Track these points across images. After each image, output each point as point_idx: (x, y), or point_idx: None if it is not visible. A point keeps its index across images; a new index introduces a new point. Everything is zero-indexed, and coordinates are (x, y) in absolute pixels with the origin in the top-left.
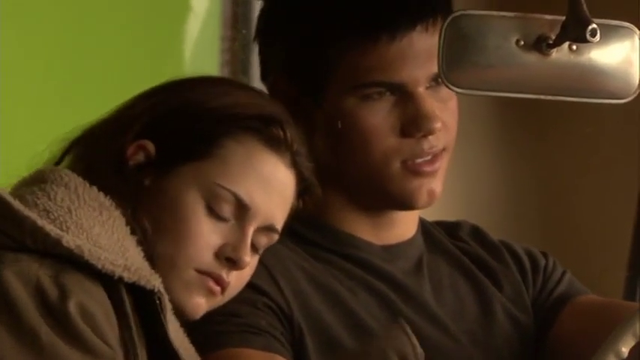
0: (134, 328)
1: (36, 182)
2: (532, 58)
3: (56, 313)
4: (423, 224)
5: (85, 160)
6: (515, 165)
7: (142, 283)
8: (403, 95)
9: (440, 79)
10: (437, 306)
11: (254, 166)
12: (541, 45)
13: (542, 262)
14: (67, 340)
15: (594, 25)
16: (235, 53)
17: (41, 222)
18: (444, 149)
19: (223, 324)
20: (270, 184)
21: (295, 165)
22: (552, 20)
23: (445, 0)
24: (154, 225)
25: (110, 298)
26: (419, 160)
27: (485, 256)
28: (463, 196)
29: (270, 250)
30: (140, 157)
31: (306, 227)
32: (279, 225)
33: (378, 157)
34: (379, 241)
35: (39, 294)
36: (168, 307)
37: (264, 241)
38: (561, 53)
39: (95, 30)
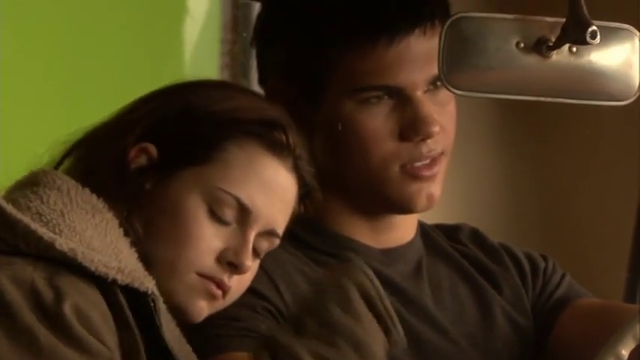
0: (135, 329)
1: (29, 185)
2: (532, 60)
3: (52, 315)
4: (422, 227)
5: (85, 162)
6: (516, 167)
7: (136, 285)
8: (401, 99)
9: (439, 82)
10: (436, 309)
11: (256, 170)
12: (541, 47)
13: (542, 265)
14: (65, 342)
15: (594, 27)
16: (235, 56)
17: (34, 225)
18: (442, 153)
19: (223, 328)
20: (271, 189)
21: (297, 169)
22: (552, 22)
23: (443, 4)
24: (155, 228)
25: (106, 300)
26: (418, 164)
27: (485, 259)
28: (463, 198)
29: (270, 254)
30: (142, 160)
31: (305, 231)
32: (280, 229)
33: (376, 162)
34: (378, 244)
35: (34, 296)
36: (162, 308)
37: (265, 245)
38: (561, 55)
39: (95, 32)
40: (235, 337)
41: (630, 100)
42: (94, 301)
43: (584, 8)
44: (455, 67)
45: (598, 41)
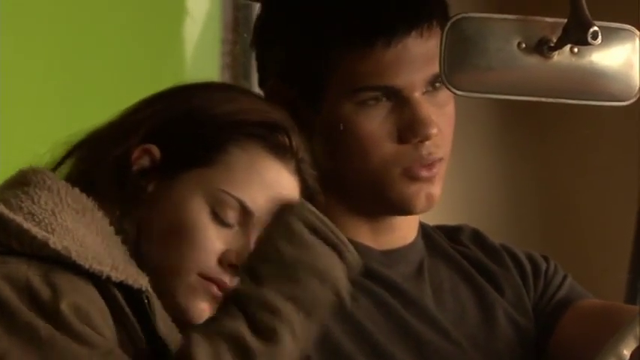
0: (135, 324)
1: (19, 185)
2: (533, 60)
3: (50, 312)
4: (423, 228)
5: (87, 162)
6: (516, 167)
7: (130, 282)
8: (399, 101)
9: (438, 83)
10: (437, 310)
11: (258, 172)
12: (542, 48)
13: (544, 266)
14: (65, 335)
15: (596, 28)
16: (236, 57)
17: (27, 225)
18: (441, 158)
19: None
20: (274, 191)
21: (299, 172)
22: (554, 23)
23: (441, 5)
24: (155, 229)
25: (102, 297)
26: (417, 165)
27: (486, 260)
28: (463, 198)
29: None
30: (145, 161)
31: None
32: None
33: (376, 164)
34: (379, 246)
35: (29, 294)
36: (157, 305)
37: None
38: (563, 56)
39: (95, 32)
40: None
41: (631, 101)
42: (92, 298)
43: (586, 9)
44: (456, 67)
45: (599, 42)
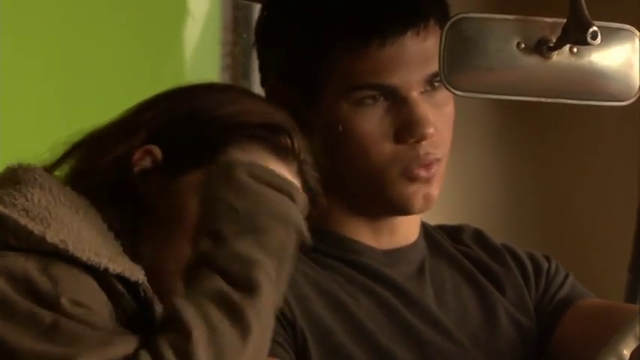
0: (137, 312)
1: (10, 183)
2: (533, 60)
3: (51, 302)
4: (425, 228)
5: (87, 162)
6: (516, 167)
7: (127, 274)
8: (396, 100)
9: (437, 83)
10: (439, 310)
11: None
12: (542, 48)
13: (545, 265)
14: (68, 318)
15: (595, 28)
16: (236, 57)
17: (24, 220)
18: (439, 159)
19: None
20: None
21: (301, 174)
22: (553, 23)
23: (438, 5)
24: (155, 230)
25: (102, 288)
26: (414, 166)
27: (488, 259)
28: (463, 198)
29: None
30: (147, 162)
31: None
32: None
33: (374, 164)
34: (380, 245)
35: (28, 286)
36: (153, 299)
37: None
38: (562, 56)
39: (95, 32)
40: None
41: (631, 101)
42: (92, 288)
43: (585, 9)
44: (455, 67)
45: (599, 42)
